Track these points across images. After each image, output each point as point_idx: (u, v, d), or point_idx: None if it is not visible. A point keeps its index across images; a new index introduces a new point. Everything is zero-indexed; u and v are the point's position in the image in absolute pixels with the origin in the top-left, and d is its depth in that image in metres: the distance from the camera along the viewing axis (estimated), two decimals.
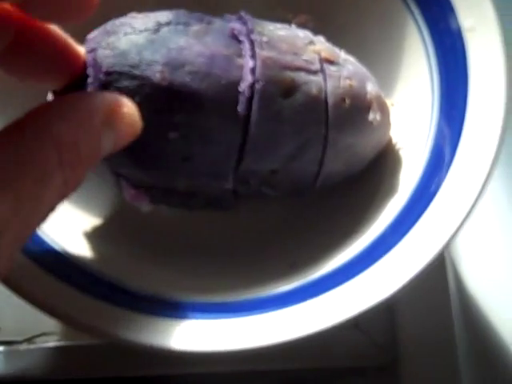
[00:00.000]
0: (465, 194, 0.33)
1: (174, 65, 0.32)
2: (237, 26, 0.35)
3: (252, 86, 0.33)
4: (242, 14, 0.37)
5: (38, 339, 0.43)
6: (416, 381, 0.41)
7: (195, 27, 0.34)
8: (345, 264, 0.35)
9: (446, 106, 0.37)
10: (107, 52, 0.33)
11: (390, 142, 0.39)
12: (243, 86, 0.33)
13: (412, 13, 0.39)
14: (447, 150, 0.35)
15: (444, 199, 0.33)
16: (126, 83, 0.32)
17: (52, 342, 0.43)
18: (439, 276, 0.42)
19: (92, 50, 0.33)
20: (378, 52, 0.41)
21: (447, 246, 0.31)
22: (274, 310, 0.32)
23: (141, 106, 0.31)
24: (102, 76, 0.33)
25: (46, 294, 0.32)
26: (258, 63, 0.34)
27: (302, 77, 0.35)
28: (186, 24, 0.34)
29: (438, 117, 0.36)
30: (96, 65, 0.33)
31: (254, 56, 0.34)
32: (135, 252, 0.38)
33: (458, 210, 0.32)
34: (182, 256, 0.39)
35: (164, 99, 0.32)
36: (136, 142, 0.31)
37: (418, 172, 0.36)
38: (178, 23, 0.34)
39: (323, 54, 0.36)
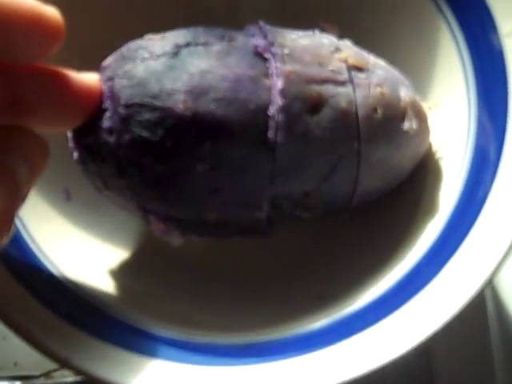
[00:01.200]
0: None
1: (197, 92, 0.30)
2: (260, 42, 0.32)
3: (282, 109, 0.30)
4: (262, 24, 0.35)
5: (55, 374, 0.41)
6: None
7: (216, 47, 0.32)
8: (377, 300, 0.32)
9: (484, 108, 0.34)
10: (125, 82, 0.31)
11: (429, 149, 0.36)
12: (272, 110, 0.31)
13: (444, 15, 0.36)
14: (491, 156, 0.33)
15: (488, 221, 0.30)
16: (147, 116, 0.30)
17: (70, 377, 0.41)
18: (478, 309, 0.39)
19: (109, 80, 0.31)
20: (410, 54, 0.38)
21: (491, 278, 0.28)
22: (300, 353, 0.30)
23: (165, 138, 0.29)
24: (121, 109, 0.30)
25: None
26: (281, 79, 0.31)
27: (329, 90, 0.32)
28: (207, 44, 0.32)
29: (477, 122, 0.34)
30: (114, 97, 0.31)
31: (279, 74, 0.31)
32: (157, 290, 0.36)
33: (504, 233, 0.29)
34: (197, 290, 0.37)
35: (189, 130, 0.30)
36: (163, 176, 0.29)
37: (457, 187, 0.33)
38: (197, 44, 0.32)
39: (350, 61, 0.34)
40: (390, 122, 0.33)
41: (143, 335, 0.32)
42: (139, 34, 0.33)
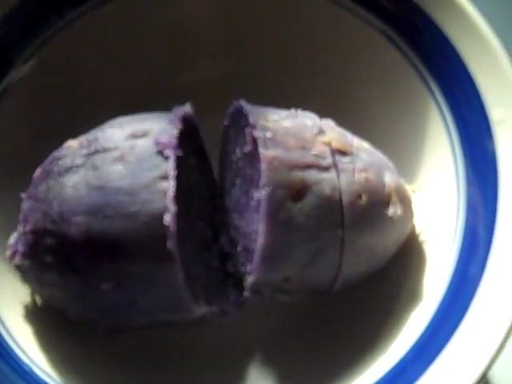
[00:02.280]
0: (506, 302, 0.29)
1: (91, 211, 0.30)
2: (163, 139, 0.31)
3: (176, 216, 0.29)
4: (242, 103, 0.34)
5: None
6: None
7: (118, 152, 0.31)
8: None
9: (474, 186, 0.33)
10: (34, 205, 0.31)
11: (413, 232, 0.35)
12: (168, 219, 0.29)
13: (434, 95, 0.35)
14: (481, 236, 0.32)
15: (480, 310, 0.30)
16: (49, 241, 0.30)
17: None
18: None
19: (25, 199, 0.32)
20: (397, 132, 0.38)
21: (484, 374, 0.27)
22: None
23: (67, 262, 0.30)
24: (29, 236, 0.31)
25: None
26: (264, 165, 0.31)
27: (312, 175, 0.31)
28: (109, 150, 0.31)
29: (466, 200, 0.33)
30: (25, 221, 0.31)
31: (178, 173, 0.30)
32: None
33: (498, 323, 0.29)
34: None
35: (85, 252, 0.30)
36: (79, 293, 0.31)
37: (446, 273, 0.32)
38: (105, 149, 0.31)
39: (334, 145, 0.33)
40: (375, 209, 0.32)
41: None
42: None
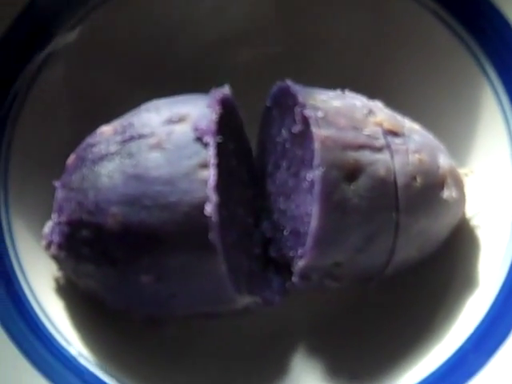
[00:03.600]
0: None
1: (128, 201, 0.29)
2: (201, 125, 0.30)
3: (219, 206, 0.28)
4: (289, 83, 0.33)
5: None
6: None
7: (154, 138, 0.30)
8: None
9: None
10: (71, 195, 0.31)
11: (464, 217, 0.34)
12: (209, 210, 0.28)
13: (488, 75, 0.34)
14: None
15: None
16: (85, 233, 0.30)
17: None
18: None
19: (59, 188, 0.32)
20: (448, 116, 0.37)
21: None
22: None
23: (104, 254, 0.29)
24: (65, 227, 0.30)
25: None
26: (317, 145, 0.29)
27: (366, 156, 0.30)
28: (145, 136, 0.30)
29: None
30: (60, 211, 0.31)
31: (219, 163, 0.29)
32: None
33: None
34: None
35: (120, 247, 0.29)
36: (118, 285, 0.30)
37: (505, 259, 0.31)
38: (138, 136, 0.30)
39: (386, 126, 0.32)
40: (430, 191, 0.31)
41: None
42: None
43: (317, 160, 0.29)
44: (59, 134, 0.37)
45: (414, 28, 0.37)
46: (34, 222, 0.34)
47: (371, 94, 0.34)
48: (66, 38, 0.37)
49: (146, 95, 0.33)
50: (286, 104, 0.33)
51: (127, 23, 0.38)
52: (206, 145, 0.29)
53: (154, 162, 0.29)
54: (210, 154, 0.29)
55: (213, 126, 0.30)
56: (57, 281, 0.34)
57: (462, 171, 0.34)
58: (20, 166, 0.35)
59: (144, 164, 0.29)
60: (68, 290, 0.33)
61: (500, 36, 0.34)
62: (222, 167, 0.30)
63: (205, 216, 0.28)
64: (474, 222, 0.34)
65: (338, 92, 0.34)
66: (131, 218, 0.28)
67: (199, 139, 0.29)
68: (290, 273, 0.32)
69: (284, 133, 0.34)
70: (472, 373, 0.28)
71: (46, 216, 0.33)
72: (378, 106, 0.33)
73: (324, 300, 0.36)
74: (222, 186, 0.29)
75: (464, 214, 0.34)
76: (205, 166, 0.29)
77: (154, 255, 0.29)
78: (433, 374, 0.30)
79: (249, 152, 0.38)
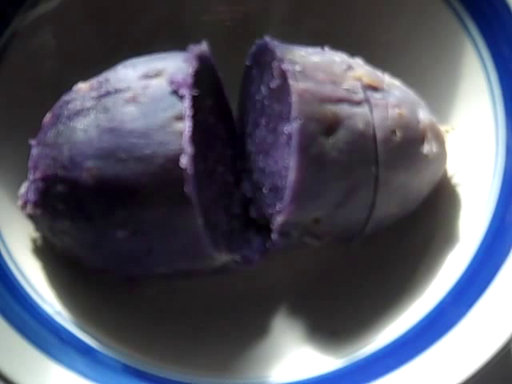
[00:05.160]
0: None
1: (102, 155, 0.28)
2: (177, 78, 0.29)
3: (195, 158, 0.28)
4: (267, 39, 0.32)
5: None
6: None
7: (130, 92, 0.29)
8: (397, 341, 0.29)
9: None
10: (46, 151, 0.30)
11: (445, 175, 0.34)
12: (184, 161, 0.27)
13: (469, 31, 0.34)
14: None
15: None
16: (60, 189, 0.29)
17: None
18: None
19: (35, 145, 0.31)
20: (429, 72, 0.36)
21: None
22: None
23: (79, 209, 0.29)
24: (40, 184, 0.30)
25: None
26: (295, 98, 0.29)
27: (344, 110, 0.30)
28: (121, 91, 0.30)
29: (506, 146, 0.31)
30: (35, 168, 0.30)
31: (195, 114, 0.29)
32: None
33: None
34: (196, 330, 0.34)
35: (95, 201, 0.29)
36: (94, 242, 0.29)
37: (484, 216, 0.31)
38: (117, 91, 0.30)
39: (365, 80, 0.31)
40: (410, 145, 0.31)
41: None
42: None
43: (294, 113, 0.29)
44: (36, 96, 0.36)
45: None
46: (11, 184, 0.34)
47: (354, 52, 0.33)
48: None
49: (122, 57, 0.33)
50: (265, 61, 0.33)
51: None
52: (181, 97, 0.29)
53: (129, 115, 0.29)
54: (186, 106, 0.28)
55: (189, 79, 0.29)
56: (34, 241, 0.33)
57: (443, 128, 0.34)
58: None
59: (119, 118, 0.29)
60: (45, 251, 0.33)
61: None
62: (198, 121, 0.29)
63: (180, 168, 0.27)
64: (454, 180, 0.34)
65: (318, 49, 0.33)
66: (106, 172, 0.28)
67: (175, 92, 0.29)
68: (271, 233, 0.32)
69: (263, 89, 0.33)
70: (451, 325, 0.28)
71: (23, 178, 0.32)
72: (357, 62, 0.33)
73: (304, 260, 0.35)
74: (198, 139, 0.29)
75: (445, 171, 0.34)
76: (180, 118, 0.28)
77: (130, 209, 0.28)
78: (413, 328, 0.29)
79: (229, 112, 0.37)
